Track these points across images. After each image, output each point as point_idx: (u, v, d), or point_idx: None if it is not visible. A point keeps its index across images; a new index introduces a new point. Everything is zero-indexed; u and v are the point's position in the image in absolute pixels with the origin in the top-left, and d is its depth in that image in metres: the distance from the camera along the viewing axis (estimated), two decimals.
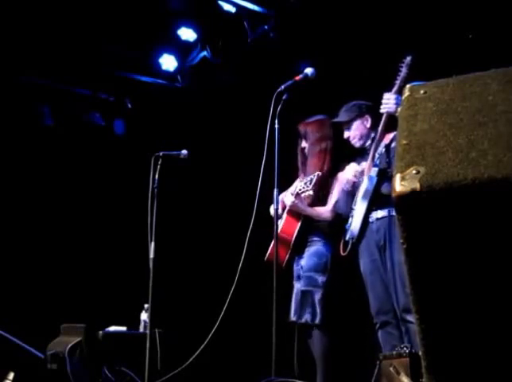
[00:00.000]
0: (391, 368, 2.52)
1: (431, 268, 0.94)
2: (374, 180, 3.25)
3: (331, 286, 3.54)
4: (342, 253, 3.39)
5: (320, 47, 4.76)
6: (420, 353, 1.03)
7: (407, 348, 2.56)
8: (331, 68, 4.37)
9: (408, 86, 1.07)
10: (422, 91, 1.04)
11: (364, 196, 3.27)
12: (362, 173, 3.31)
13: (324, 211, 3.67)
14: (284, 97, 3.30)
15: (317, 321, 3.48)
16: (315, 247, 3.63)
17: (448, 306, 0.96)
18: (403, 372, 2.48)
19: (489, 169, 0.87)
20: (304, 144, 3.81)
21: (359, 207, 3.29)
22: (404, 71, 3.13)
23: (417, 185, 0.90)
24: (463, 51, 3.92)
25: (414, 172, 0.91)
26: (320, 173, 3.62)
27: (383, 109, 3.22)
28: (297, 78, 3.40)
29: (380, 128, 3.28)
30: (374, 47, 4.42)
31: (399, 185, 0.91)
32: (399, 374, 2.48)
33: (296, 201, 3.57)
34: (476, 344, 0.98)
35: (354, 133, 3.51)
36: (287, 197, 3.58)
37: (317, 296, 3.51)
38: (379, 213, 3.27)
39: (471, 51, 3.85)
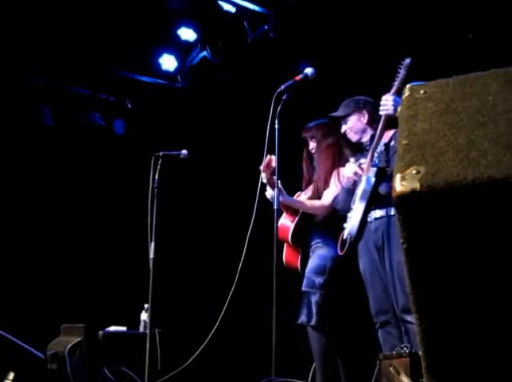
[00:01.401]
0: (391, 368, 2.52)
1: (431, 268, 0.94)
2: (372, 180, 3.25)
3: (330, 287, 3.54)
4: (339, 252, 3.40)
5: (320, 47, 4.76)
6: (420, 353, 1.03)
7: (407, 348, 2.56)
8: (331, 68, 4.37)
9: (408, 86, 1.07)
10: (422, 91, 1.04)
11: (362, 197, 3.27)
12: (362, 170, 3.31)
13: (320, 205, 3.68)
14: (284, 97, 3.30)
15: (313, 322, 3.48)
16: (318, 251, 3.64)
17: (448, 306, 0.96)
18: (403, 372, 2.48)
19: (489, 169, 0.87)
20: (312, 145, 3.82)
21: (358, 207, 3.29)
22: (402, 72, 3.13)
23: (417, 185, 0.90)
24: (463, 51, 3.93)
25: (414, 172, 0.91)
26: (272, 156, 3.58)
27: (382, 111, 3.23)
28: (297, 78, 3.40)
29: (379, 129, 3.28)
30: (374, 47, 4.42)
31: (399, 185, 0.91)
32: (399, 374, 2.48)
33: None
34: (476, 344, 0.98)
35: (350, 127, 3.53)
36: (267, 191, 3.58)
37: (314, 297, 3.51)
38: (377, 213, 3.26)
39: (471, 51, 3.85)
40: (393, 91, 3.18)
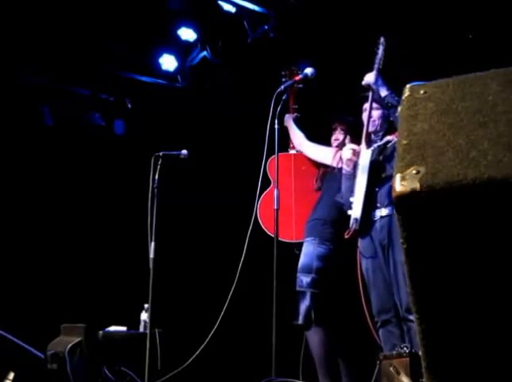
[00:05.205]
0: (391, 368, 2.52)
1: (431, 268, 0.94)
2: (370, 152, 3.26)
3: (321, 286, 3.53)
4: (346, 236, 3.33)
5: (320, 47, 4.76)
6: (420, 353, 1.03)
7: (407, 348, 2.56)
8: (331, 68, 4.37)
9: (408, 86, 1.07)
10: (422, 91, 1.04)
11: (363, 171, 3.25)
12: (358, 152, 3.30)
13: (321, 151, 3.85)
14: (284, 97, 3.31)
15: (299, 321, 3.50)
16: (305, 248, 3.64)
17: (448, 306, 0.96)
18: (403, 372, 2.48)
19: (489, 169, 0.87)
20: (337, 136, 3.83)
21: (360, 182, 3.25)
22: (380, 51, 3.31)
23: (417, 185, 0.90)
24: (463, 51, 3.93)
25: (414, 172, 0.91)
26: None
27: (364, 82, 3.30)
28: (297, 78, 3.40)
29: (369, 103, 3.30)
30: (374, 47, 4.41)
31: (399, 185, 0.91)
32: (399, 374, 2.48)
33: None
34: (476, 344, 0.98)
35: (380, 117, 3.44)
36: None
37: (302, 297, 3.52)
38: (383, 211, 3.24)
39: (471, 51, 3.86)
40: (375, 68, 3.29)
